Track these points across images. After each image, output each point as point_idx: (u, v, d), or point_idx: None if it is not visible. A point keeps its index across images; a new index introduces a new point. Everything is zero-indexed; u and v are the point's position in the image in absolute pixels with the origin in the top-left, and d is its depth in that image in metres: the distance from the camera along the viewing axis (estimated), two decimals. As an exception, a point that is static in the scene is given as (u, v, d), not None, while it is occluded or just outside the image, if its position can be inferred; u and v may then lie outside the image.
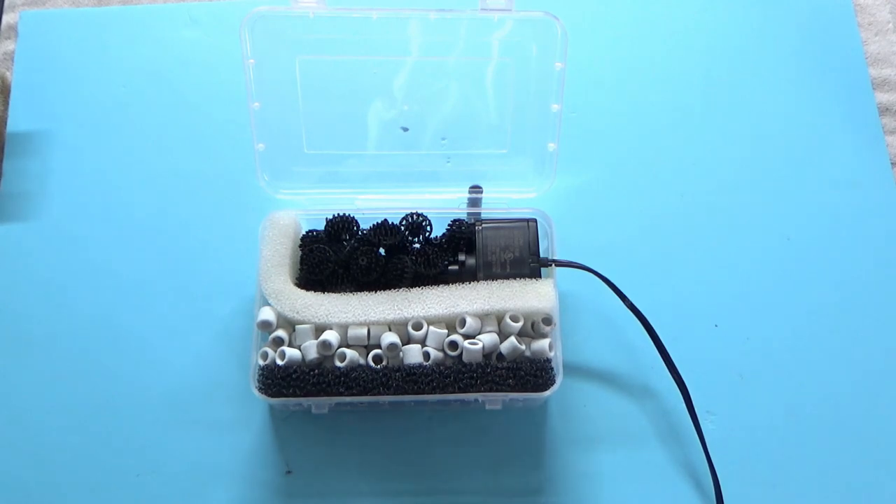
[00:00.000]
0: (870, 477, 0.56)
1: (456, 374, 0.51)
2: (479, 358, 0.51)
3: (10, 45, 0.69)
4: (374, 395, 0.50)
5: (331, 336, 0.51)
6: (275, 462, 0.56)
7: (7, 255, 0.62)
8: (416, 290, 0.53)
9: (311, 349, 0.51)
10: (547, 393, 0.51)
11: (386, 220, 0.56)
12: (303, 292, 0.53)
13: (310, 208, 0.56)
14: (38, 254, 0.62)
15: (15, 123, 0.66)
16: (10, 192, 0.64)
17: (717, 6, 0.70)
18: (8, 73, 0.68)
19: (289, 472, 0.56)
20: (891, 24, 0.70)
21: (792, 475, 0.56)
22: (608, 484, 0.55)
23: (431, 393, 0.50)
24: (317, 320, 0.52)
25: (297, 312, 0.52)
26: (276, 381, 0.50)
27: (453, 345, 0.52)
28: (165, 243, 0.62)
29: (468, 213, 0.56)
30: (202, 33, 0.69)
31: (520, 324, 0.52)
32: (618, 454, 0.56)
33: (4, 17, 0.69)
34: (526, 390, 0.51)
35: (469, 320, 0.52)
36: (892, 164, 0.65)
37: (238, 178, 0.64)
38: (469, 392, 0.51)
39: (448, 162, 0.65)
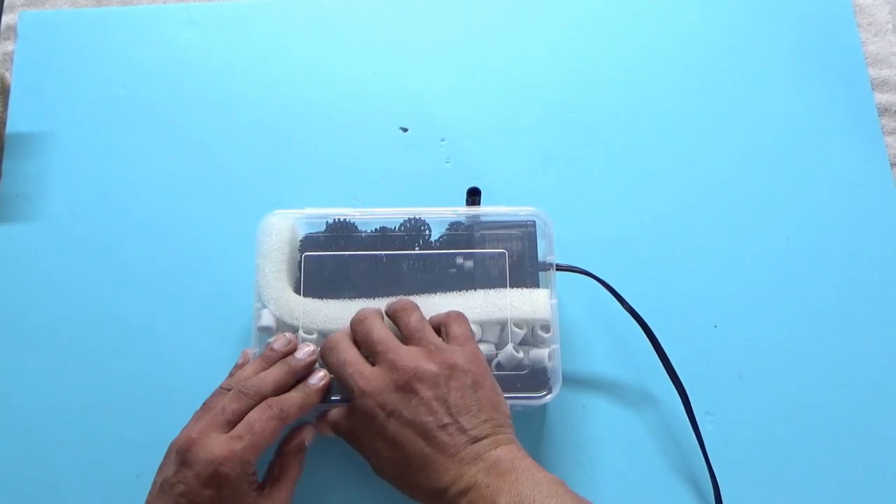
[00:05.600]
0: (870, 477, 0.56)
1: None
2: None
3: (9, 46, 0.69)
4: None
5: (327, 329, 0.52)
6: (274, 463, 0.56)
7: (7, 255, 0.62)
8: (413, 298, 0.53)
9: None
10: (544, 400, 0.51)
11: (385, 226, 0.56)
12: (301, 298, 0.53)
13: (308, 212, 0.56)
14: (38, 254, 0.62)
15: (15, 124, 0.66)
16: (10, 193, 0.64)
17: (716, 6, 0.70)
18: (7, 74, 0.68)
19: (289, 472, 0.56)
20: (890, 25, 0.70)
21: (792, 475, 0.56)
22: (606, 487, 0.55)
23: None
24: (315, 326, 0.52)
25: (296, 318, 0.52)
26: None
27: None
28: (165, 244, 0.62)
29: (466, 217, 0.56)
30: (202, 34, 0.69)
31: (523, 331, 0.52)
32: (616, 457, 0.56)
33: (4, 18, 0.69)
34: (523, 399, 0.51)
35: (472, 328, 0.52)
36: (891, 164, 0.65)
37: (238, 178, 0.64)
38: None
39: (447, 163, 0.65)
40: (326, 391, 0.50)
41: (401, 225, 0.56)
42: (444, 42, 0.69)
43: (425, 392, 0.45)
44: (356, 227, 0.56)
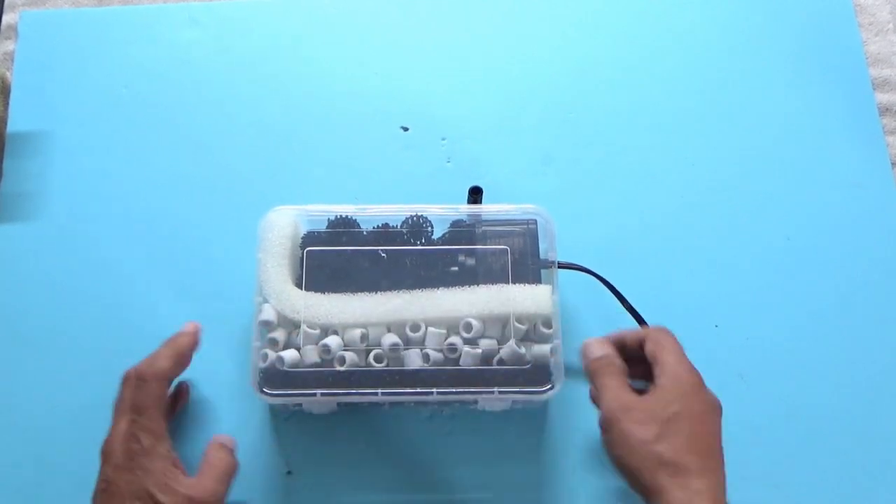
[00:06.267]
0: (870, 477, 0.56)
1: (455, 377, 0.51)
2: (478, 362, 0.51)
3: (10, 45, 0.69)
4: (374, 396, 0.50)
5: (331, 341, 0.52)
6: (275, 462, 0.56)
7: (7, 255, 0.62)
8: (416, 293, 0.53)
9: (312, 353, 0.52)
10: (547, 395, 0.51)
11: (387, 223, 0.56)
12: (303, 293, 0.53)
13: (310, 208, 0.56)
14: (38, 254, 0.62)
15: (15, 123, 0.66)
16: (10, 192, 0.64)
17: (716, 6, 0.70)
18: (8, 73, 0.68)
19: (289, 472, 0.56)
20: (891, 25, 0.70)
21: (792, 475, 0.56)
22: (606, 485, 0.55)
23: (430, 395, 0.50)
24: (317, 321, 0.52)
25: (298, 313, 0.52)
26: (277, 382, 0.51)
27: (452, 349, 0.52)
28: (166, 243, 0.62)
29: (468, 215, 0.56)
30: (203, 33, 0.70)
31: (525, 327, 0.52)
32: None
33: (4, 17, 0.69)
34: (525, 394, 0.51)
35: (474, 324, 0.52)
36: (892, 164, 0.65)
37: (238, 177, 0.64)
38: (468, 394, 0.51)
39: (448, 162, 0.65)
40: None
41: (403, 222, 0.56)
42: (445, 42, 0.69)
43: None
44: (358, 224, 0.56)
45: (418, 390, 0.51)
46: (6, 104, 0.67)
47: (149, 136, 0.66)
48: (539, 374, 0.51)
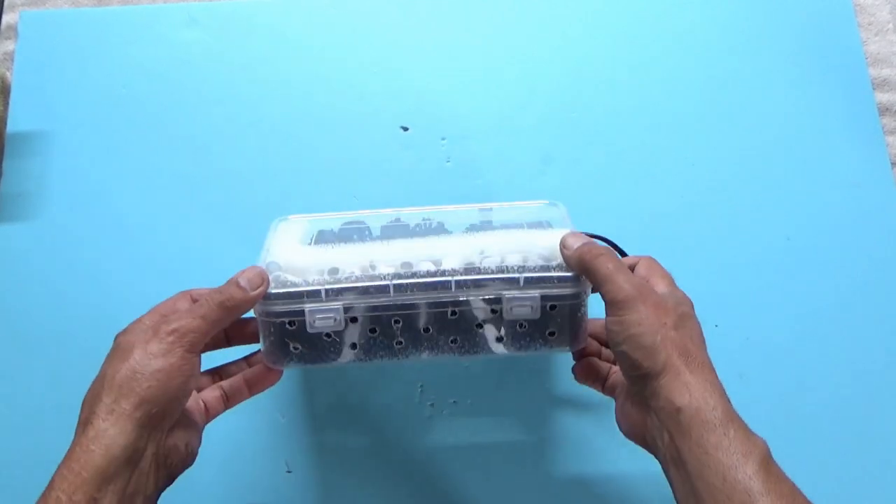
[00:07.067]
0: (870, 477, 0.56)
1: (476, 271, 0.47)
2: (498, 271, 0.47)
3: (10, 45, 0.69)
4: (385, 296, 0.46)
5: (339, 263, 0.48)
6: (275, 462, 0.56)
7: (7, 255, 0.62)
8: (429, 237, 0.50)
9: (318, 276, 0.47)
10: (579, 289, 0.47)
11: (399, 217, 0.54)
12: (311, 247, 0.50)
13: (319, 216, 0.54)
14: (38, 254, 0.62)
15: (15, 123, 0.66)
16: (10, 192, 0.64)
17: (716, 6, 0.70)
18: (8, 73, 0.68)
19: (289, 472, 0.56)
20: (891, 25, 0.70)
21: (792, 475, 0.56)
22: (604, 484, 0.55)
23: (448, 286, 0.46)
24: (322, 261, 0.48)
25: (305, 256, 0.48)
26: (279, 292, 0.46)
27: (471, 267, 0.47)
28: (165, 244, 0.62)
29: (480, 210, 0.54)
30: (202, 33, 0.70)
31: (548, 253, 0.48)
32: (616, 456, 0.56)
33: (4, 17, 0.69)
34: (556, 284, 0.46)
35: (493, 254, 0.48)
36: (892, 164, 0.65)
37: (239, 177, 0.64)
38: (491, 283, 0.46)
39: (448, 162, 0.65)
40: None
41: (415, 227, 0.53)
42: (445, 42, 0.69)
43: None
44: (369, 230, 0.54)
45: (437, 279, 0.46)
46: (6, 104, 0.67)
47: (148, 136, 0.66)
48: (567, 271, 0.47)
